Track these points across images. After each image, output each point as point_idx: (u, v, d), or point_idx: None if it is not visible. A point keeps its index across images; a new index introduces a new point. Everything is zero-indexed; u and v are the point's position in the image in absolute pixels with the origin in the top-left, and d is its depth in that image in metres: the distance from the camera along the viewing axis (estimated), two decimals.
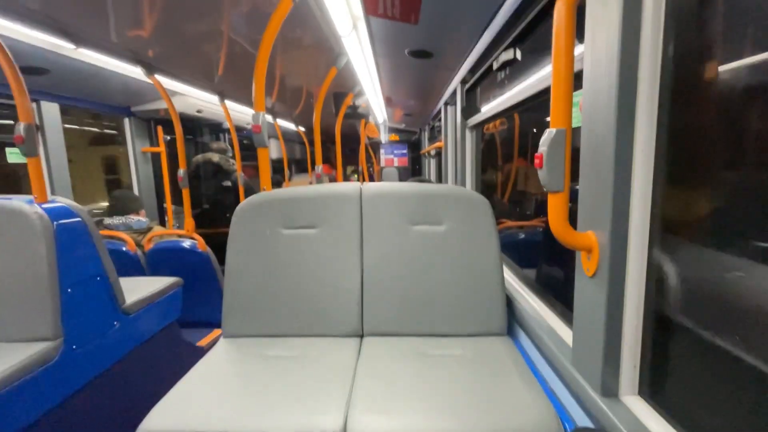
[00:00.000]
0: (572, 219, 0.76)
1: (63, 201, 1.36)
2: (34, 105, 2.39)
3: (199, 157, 3.60)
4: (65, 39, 1.78)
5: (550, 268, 1.68)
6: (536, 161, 0.74)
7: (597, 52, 0.73)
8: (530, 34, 1.36)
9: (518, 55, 1.46)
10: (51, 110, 2.47)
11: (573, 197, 0.77)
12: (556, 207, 0.74)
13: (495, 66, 1.65)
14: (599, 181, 0.74)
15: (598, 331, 0.76)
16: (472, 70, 2.08)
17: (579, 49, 0.80)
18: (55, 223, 1.26)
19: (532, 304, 1.30)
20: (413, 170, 8.46)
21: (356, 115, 4.15)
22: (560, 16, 0.69)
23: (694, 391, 0.70)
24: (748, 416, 0.59)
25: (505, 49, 1.51)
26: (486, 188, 2.68)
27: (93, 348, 1.38)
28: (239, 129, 4.03)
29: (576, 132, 0.76)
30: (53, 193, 2.48)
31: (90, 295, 1.39)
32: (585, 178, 0.79)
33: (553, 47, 0.70)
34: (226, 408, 0.95)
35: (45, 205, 1.28)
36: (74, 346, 1.29)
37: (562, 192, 0.73)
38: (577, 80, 0.74)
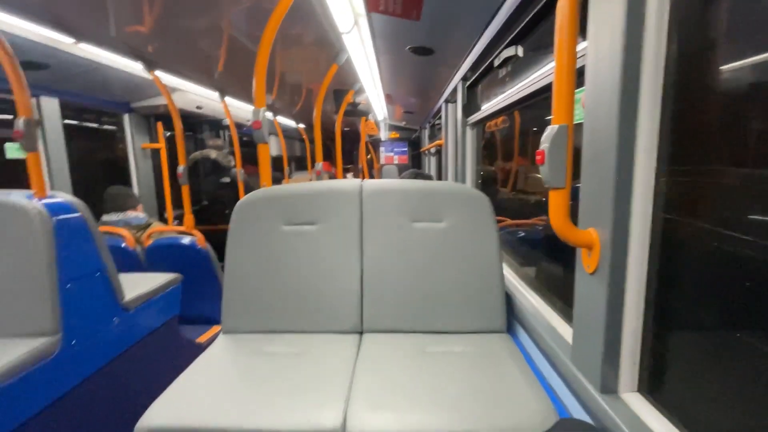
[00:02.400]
0: (573, 216, 0.76)
1: (62, 196, 1.36)
2: (33, 100, 2.38)
3: (197, 154, 3.59)
4: (66, 34, 1.77)
5: (550, 265, 1.68)
6: (538, 157, 0.74)
7: (600, 48, 0.73)
8: (532, 31, 1.35)
9: (520, 52, 1.46)
10: (51, 105, 2.46)
11: (574, 194, 0.77)
12: (557, 203, 0.73)
13: (496, 63, 1.65)
14: (601, 178, 0.74)
15: (598, 328, 0.76)
16: (474, 68, 2.07)
17: (581, 46, 0.79)
18: (54, 218, 1.26)
19: (531, 301, 1.30)
20: (413, 168, 8.44)
21: (357, 112, 4.14)
22: (563, 11, 0.68)
23: (693, 388, 0.70)
24: (748, 413, 0.59)
25: (507, 45, 1.50)
26: (487, 186, 2.68)
27: (92, 343, 1.37)
28: (239, 126, 4.02)
29: (578, 128, 0.76)
30: (53, 188, 2.48)
31: (89, 291, 1.38)
32: (587, 175, 0.79)
33: (556, 43, 0.70)
34: (224, 404, 0.95)
35: (44, 201, 1.28)
36: (73, 342, 1.29)
37: (563, 189, 0.73)
38: (579, 77, 0.74)
